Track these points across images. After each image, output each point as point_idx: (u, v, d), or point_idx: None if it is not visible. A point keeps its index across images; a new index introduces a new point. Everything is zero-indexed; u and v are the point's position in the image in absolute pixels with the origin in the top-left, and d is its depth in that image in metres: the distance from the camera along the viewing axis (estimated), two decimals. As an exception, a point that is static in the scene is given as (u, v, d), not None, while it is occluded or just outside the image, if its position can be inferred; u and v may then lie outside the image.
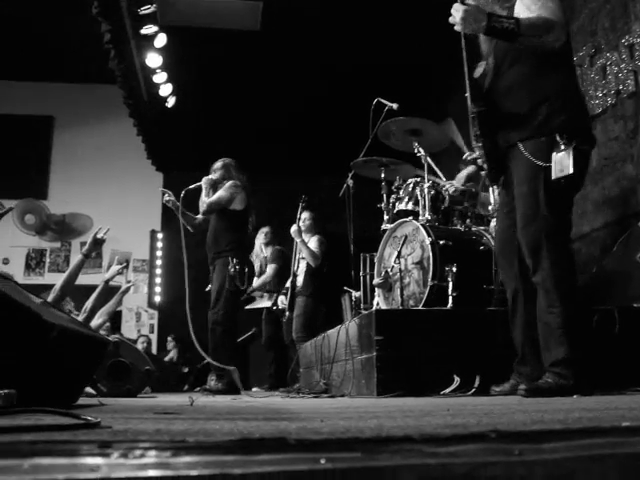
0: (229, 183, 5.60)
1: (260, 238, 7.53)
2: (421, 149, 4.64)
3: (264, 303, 7.58)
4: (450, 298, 3.80)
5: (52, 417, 1.30)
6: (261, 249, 7.58)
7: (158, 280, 10.47)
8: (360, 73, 7.75)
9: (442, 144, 4.95)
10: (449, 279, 3.83)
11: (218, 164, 5.80)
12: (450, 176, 4.99)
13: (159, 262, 10.50)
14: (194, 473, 0.64)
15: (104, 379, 4.29)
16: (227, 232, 5.55)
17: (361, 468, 0.66)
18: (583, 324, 2.96)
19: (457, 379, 3.28)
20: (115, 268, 4.98)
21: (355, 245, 5.65)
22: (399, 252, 4.23)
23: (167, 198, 5.64)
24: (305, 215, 6.63)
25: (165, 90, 7.94)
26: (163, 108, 8.20)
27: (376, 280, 4.46)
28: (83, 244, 4.53)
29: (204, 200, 5.53)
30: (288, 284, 6.53)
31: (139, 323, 10.40)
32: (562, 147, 2.80)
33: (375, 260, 4.65)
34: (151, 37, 6.94)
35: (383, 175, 5.00)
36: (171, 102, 8.15)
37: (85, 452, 0.73)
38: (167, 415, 1.66)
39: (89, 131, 10.57)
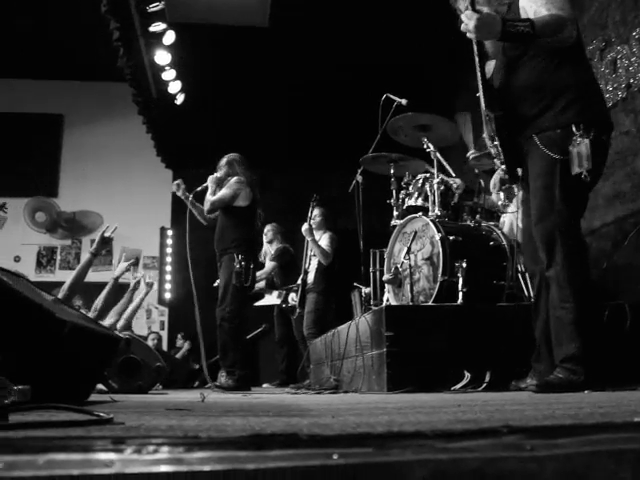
0: (232, 180, 5.57)
1: (264, 236, 7.54)
2: (430, 144, 4.63)
3: (273, 300, 7.59)
4: (460, 294, 3.79)
5: (66, 413, 1.31)
6: (267, 247, 7.60)
7: (168, 277, 10.50)
8: (369, 69, 7.73)
9: (451, 139, 4.94)
10: (459, 275, 3.83)
11: (222, 161, 5.76)
12: (460, 172, 4.98)
13: (169, 259, 10.52)
14: (207, 469, 0.64)
15: (115, 376, 4.30)
16: (232, 229, 5.53)
17: (373, 463, 0.67)
18: (594, 319, 2.94)
19: (468, 375, 3.27)
20: (123, 265, 4.99)
21: (365, 241, 5.64)
22: (409, 248, 4.22)
23: (175, 188, 5.64)
24: (315, 212, 6.62)
25: (174, 87, 7.95)
26: (172, 105, 8.22)
27: (386, 276, 4.45)
28: (93, 241, 4.54)
29: (208, 199, 5.52)
30: (299, 281, 6.54)
31: (149, 320, 10.43)
32: (578, 139, 2.74)
33: (385, 256, 4.65)
34: (159, 34, 6.95)
35: (392, 171, 4.99)
36: (180, 99, 8.17)
37: (99, 448, 0.73)
38: (179, 411, 1.66)
39: (99, 129, 10.60)
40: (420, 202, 4.55)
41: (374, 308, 4.25)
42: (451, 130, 4.88)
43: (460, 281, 3.81)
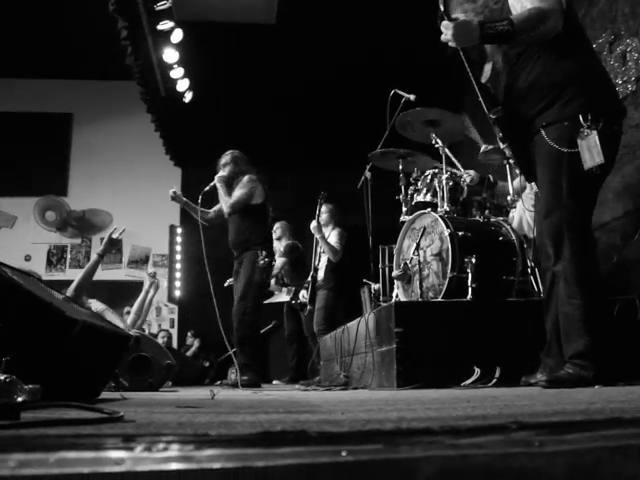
0: (245, 178, 5.54)
1: (273, 233, 7.55)
2: (438, 140, 4.62)
3: (282, 297, 7.61)
4: (469, 289, 3.78)
5: (76, 411, 1.32)
6: (277, 243, 7.61)
7: (178, 275, 10.54)
8: (376, 65, 7.72)
9: (459, 135, 4.93)
10: (468, 270, 3.82)
11: (225, 159, 5.69)
12: (469, 166, 4.97)
13: (179, 257, 10.56)
14: (217, 466, 0.64)
15: (126, 373, 4.32)
16: (253, 226, 5.53)
17: (382, 460, 0.67)
18: (604, 314, 2.92)
19: (477, 370, 3.27)
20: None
21: (374, 237, 5.64)
22: (418, 244, 4.22)
23: (172, 195, 5.62)
24: (323, 208, 6.62)
25: (182, 85, 7.97)
26: (180, 103, 8.23)
27: (395, 272, 4.45)
28: (103, 239, 4.53)
29: (225, 200, 5.48)
30: (309, 278, 6.55)
31: (159, 318, 10.47)
32: (586, 131, 2.69)
33: (394, 252, 4.65)
34: (167, 33, 6.97)
35: (401, 167, 4.98)
36: (188, 97, 8.19)
37: (109, 446, 0.74)
38: (189, 409, 1.67)
39: (108, 127, 10.65)
40: (429, 198, 4.55)
41: (383, 304, 4.25)
42: (460, 125, 4.87)
43: (469, 277, 3.80)
